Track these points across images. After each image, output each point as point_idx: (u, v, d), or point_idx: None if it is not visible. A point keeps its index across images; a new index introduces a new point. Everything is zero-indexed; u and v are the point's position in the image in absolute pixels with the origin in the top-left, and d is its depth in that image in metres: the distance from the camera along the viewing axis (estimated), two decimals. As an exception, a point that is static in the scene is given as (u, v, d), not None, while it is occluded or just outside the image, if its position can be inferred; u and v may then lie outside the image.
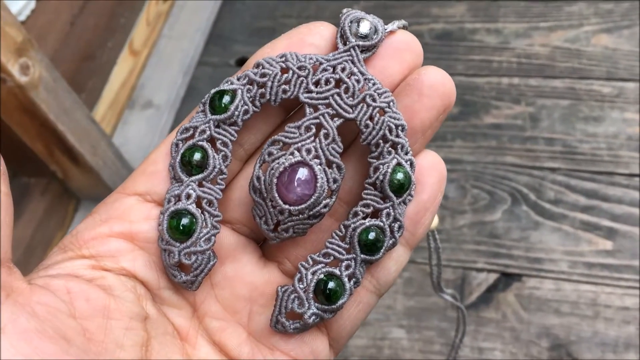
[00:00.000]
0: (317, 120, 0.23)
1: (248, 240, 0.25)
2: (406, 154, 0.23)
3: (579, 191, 0.75)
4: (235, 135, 0.23)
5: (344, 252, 0.23)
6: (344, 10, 0.24)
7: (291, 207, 0.22)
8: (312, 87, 0.23)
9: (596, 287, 0.68)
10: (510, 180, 0.78)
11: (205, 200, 0.23)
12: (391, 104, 0.23)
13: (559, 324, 0.67)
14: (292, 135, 0.23)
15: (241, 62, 0.96)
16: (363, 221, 0.23)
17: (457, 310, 0.44)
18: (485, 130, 0.82)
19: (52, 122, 0.64)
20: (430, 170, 0.23)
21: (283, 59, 0.23)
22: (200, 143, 0.23)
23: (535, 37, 0.90)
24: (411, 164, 0.23)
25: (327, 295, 0.22)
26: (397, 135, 0.23)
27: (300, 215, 0.22)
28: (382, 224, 0.23)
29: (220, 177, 0.23)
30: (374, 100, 0.23)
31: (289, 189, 0.22)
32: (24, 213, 0.71)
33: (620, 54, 0.86)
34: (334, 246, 0.23)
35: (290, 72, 0.23)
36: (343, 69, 0.23)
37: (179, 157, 0.23)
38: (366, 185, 0.23)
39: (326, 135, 0.23)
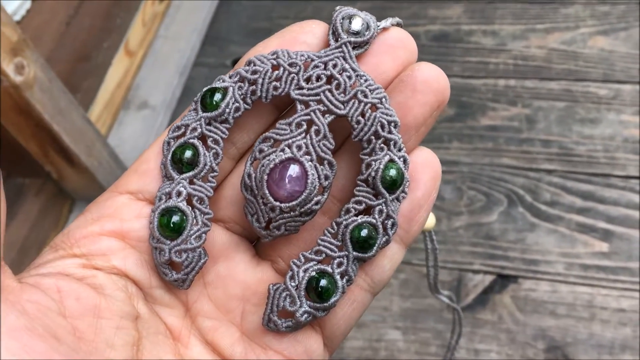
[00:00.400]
0: (308, 117, 0.23)
1: (241, 239, 0.25)
2: (399, 150, 0.23)
3: (575, 193, 0.75)
4: (227, 132, 0.23)
5: (336, 250, 0.23)
6: (337, 8, 0.24)
7: (282, 204, 0.22)
8: (303, 84, 0.23)
9: (592, 288, 0.68)
10: (507, 181, 0.78)
11: (196, 198, 0.23)
12: (383, 100, 0.23)
13: (555, 326, 0.67)
14: (282, 132, 0.23)
15: (237, 62, 0.96)
16: (355, 218, 0.23)
17: (453, 312, 0.44)
18: (481, 132, 0.82)
19: (47, 122, 0.63)
20: (424, 167, 0.23)
21: (274, 56, 0.23)
22: (191, 141, 0.23)
23: (531, 39, 0.90)
24: (404, 161, 0.23)
25: (319, 293, 0.22)
26: (390, 132, 0.23)
27: (292, 213, 0.22)
28: (374, 221, 0.23)
29: (212, 174, 0.23)
30: (365, 96, 0.23)
31: (280, 186, 0.22)
32: (18, 213, 0.70)
33: (616, 56, 0.86)
34: (326, 243, 0.23)
35: (281, 68, 0.23)
36: (334, 66, 0.23)
37: (170, 155, 0.23)
38: (358, 182, 0.23)
39: (317, 132, 0.23)
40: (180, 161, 0.23)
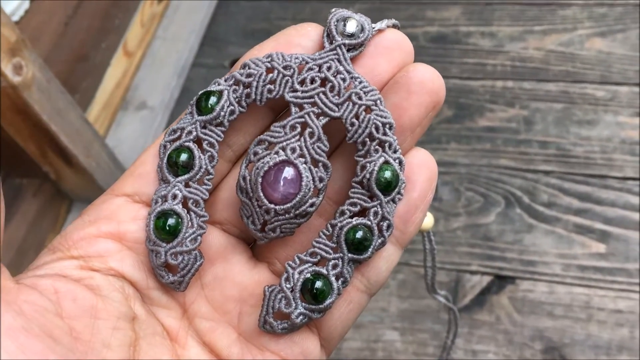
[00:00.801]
0: (303, 119, 0.23)
1: (238, 240, 0.25)
2: (394, 152, 0.23)
3: (573, 194, 0.75)
4: (222, 135, 0.24)
5: (330, 252, 0.23)
6: (332, 10, 0.24)
7: (277, 207, 0.22)
8: (298, 87, 0.23)
9: (589, 289, 0.69)
10: (504, 183, 0.78)
11: (191, 201, 0.23)
12: (378, 102, 0.23)
13: (552, 327, 0.67)
14: (277, 134, 0.23)
15: (234, 64, 0.96)
16: (350, 220, 0.23)
17: (449, 312, 0.44)
18: (479, 133, 0.82)
19: (45, 122, 0.63)
20: (420, 168, 0.23)
21: (269, 59, 0.23)
22: (186, 144, 0.23)
23: (529, 41, 0.90)
24: (400, 163, 0.23)
25: (314, 294, 0.22)
26: (385, 134, 0.23)
27: (287, 215, 0.22)
28: (369, 222, 0.23)
29: (207, 177, 0.24)
30: (359, 98, 0.23)
31: (274, 188, 0.22)
32: (16, 214, 0.70)
33: (614, 58, 0.86)
34: (321, 245, 0.23)
35: (276, 71, 0.23)
36: (329, 68, 0.23)
37: (165, 158, 0.23)
38: (353, 184, 0.23)
39: (311, 134, 0.23)
40: (175, 164, 0.23)
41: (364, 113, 0.23)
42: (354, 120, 0.23)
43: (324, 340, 0.24)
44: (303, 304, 0.22)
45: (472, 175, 0.79)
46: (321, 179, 0.23)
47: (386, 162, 0.23)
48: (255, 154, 0.23)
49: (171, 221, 0.22)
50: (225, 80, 0.24)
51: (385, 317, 0.70)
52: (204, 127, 0.23)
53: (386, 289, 0.71)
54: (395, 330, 0.69)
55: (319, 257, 0.23)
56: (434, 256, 0.37)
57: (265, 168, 0.22)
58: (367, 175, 0.23)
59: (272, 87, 0.23)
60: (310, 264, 0.23)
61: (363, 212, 0.23)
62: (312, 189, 0.22)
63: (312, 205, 0.22)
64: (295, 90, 0.23)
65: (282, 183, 0.22)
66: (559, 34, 0.90)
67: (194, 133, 0.23)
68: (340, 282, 0.22)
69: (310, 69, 0.23)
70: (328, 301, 0.22)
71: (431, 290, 0.39)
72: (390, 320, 0.69)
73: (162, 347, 0.22)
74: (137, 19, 0.91)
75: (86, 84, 0.82)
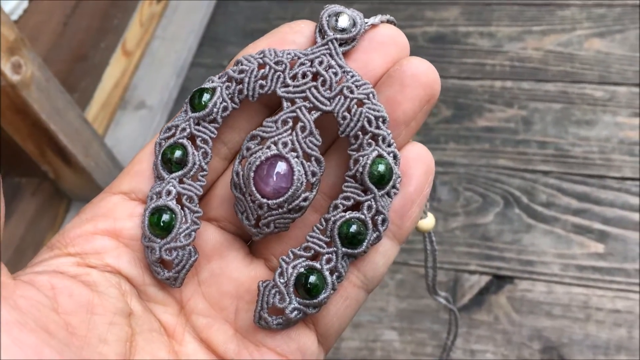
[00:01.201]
0: (294, 114, 0.23)
1: (234, 237, 0.25)
2: (388, 146, 0.23)
3: (571, 194, 0.75)
4: (215, 132, 0.24)
5: (324, 246, 0.23)
6: (325, 6, 0.24)
7: (269, 201, 0.22)
8: (289, 81, 0.23)
9: (588, 289, 0.69)
10: (503, 183, 0.78)
11: (185, 197, 0.23)
12: (370, 95, 0.22)
13: (550, 327, 0.67)
14: (269, 129, 0.23)
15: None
16: (343, 214, 0.23)
17: (450, 312, 0.44)
18: (478, 133, 0.82)
19: (44, 121, 0.63)
20: (416, 162, 0.23)
21: (261, 55, 0.23)
22: (180, 141, 0.23)
23: (528, 41, 0.90)
24: (394, 157, 0.23)
25: (308, 289, 0.22)
26: (378, 127, 0.22)
27: (280, 210, 0.22)
28: (363, 216, 0.22)
29: (201, 173, 0.24)
30: (351, 92, 0.23)
31: (266, 182, 0.22)
32: (15, 213, 0.70)
33: (612, 58, 0.86)
34: (315, 240, 0.23)
35: (267, 67, 0.23)
36: (320, 62, 0.23)
37: (160, 156, 0.24)
38: (346, 177, 0.23)
39: (303, 129, 0.23)
40: (169, 161, 0.23)
41: (355, 106, 0.23)
42: (346, 113, 0.23)
43: (321, 337, 0.23)
44: (297, 298, 0.22)
45: (471, 175, 0.79)
46: (314, 173, 0.23)
47: (379, 156, 0.22)
48: (248, 149, 0.23)
49: (165, 217, 0.23)
50: (219, 78, 0.24)
51: (383, 316, 0.70)
52: (198, 124, 0.24)
53: (385, 288, 0.71)
54: (394, 330, 0.69)
55: (312, 251, 0.23)
56: (435, 257, 0.37)
57: (257, 163, 0.22)
58: (360, 169, 0.22)
59: (263, 82, 0.23)
60: (304, 259, 0.23)
61: (357, 206, 0.23)
62: (304, 183, 0.22)
63: (305, 199, 0.22)
64: (287, 85, 0.23)
65: (274, 177, 0.22)
66: (557, 34, 0.90)
67: (188, 130, 0.24)
68: (334, 276, 0.22)
69: (302, 64, 0.23)
70: (322, 296, 0.22)
71: (432, 291, 0.39)
72: (389, 320, 0.69)
73: (159, 343, 0.22)
74: (136, 19, 0.91)
75: (85, 84, 0.82)
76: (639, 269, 0.69)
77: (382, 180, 0.22)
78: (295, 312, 0.22)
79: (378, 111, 0.22)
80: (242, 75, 0.23)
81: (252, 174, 0.22)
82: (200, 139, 0.24)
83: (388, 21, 0.24)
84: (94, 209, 0.23)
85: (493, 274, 0.71)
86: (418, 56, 0.23)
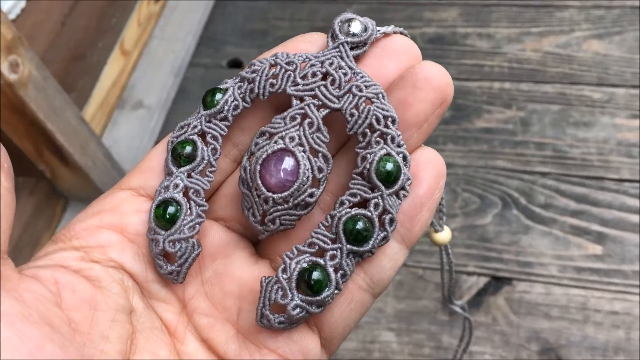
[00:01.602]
0: (303, 111, 0.23)
1: (241, 237, 0.25)
2: (398, 146, 0.22)
3: (569, 196, 0.75)
4: (226, 130, 0.24)
5: (329, 242, 0.22)
6: (340, 15, 0.24)
7: (274, 195, 0.22)
8: (299, 80, 0.23)
9: (586, 291, 0.69)
10: (501, 184, 0.78)
11: (192, 190, 0.23)
12: (380, 95, 0.22)
13: (548, 328, 0.67)
14: (277, 125, 0.23)
15: (233, 63, 0.96)
16: (349, 210, 0.22)
17: (464, 321, 0.44)
18: (476, 134, 0.82)
19: (41, 121, 0.63)
20: (426, 166, 0.23)
21: (274, 57, 0.24)
22: (190, 137, 0.24)
23: (526, 42, 0.90)
24: (404, 158, 0.22)
25: (310, 285, 0.21)
26: (386, 126, 0.22)
27: (285, 205, 0.22)
28: (369, 213, 0.22)
29: (210, 169, 0.24)
30: (360, 90, 0.23)
31: (272, 176, 0.22)
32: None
33: (610, 60, 0.86)
34: (319, 236, 0.22)
35: (278, 67, 0.24)
36: (331, 64, 0.23)
37: (170, 151, 0.24)
38: (354, 175, 0.23)
39: (310, 124, 0.23)
40: (179, 156, 0.24)
41: (364, 104, 0.23)
42: (354, 110, 0.23)
43: (324, 340, 0.23)
44: (299, 295, 0.21)
45: (469, 176, 0.79)
46: (320, 169, 0.22)
47: (388, 154, 0.22)
48: (256, 144, 0.23)
49: (171, 209, 0.23)
50: (233, 80, 0.24)
51: (381, 317, 0.70)
52: (209, 122, 0.24)
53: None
54: (392, 331, 0.69)
55: (317, 247, 0.22)
56: (452, 269, 0.37)
57: (264, 156, 0.22)
58: (367, 166, 0.22)
59: (274, 81, 0.23)
60: (308, 255, 0.22)
61: (363, 204, 0.22)
62: (310, 178, 0.22)
63: (311, 195, 0.22)
64: (297, 84, 0.23)
65: (280, 170, 0.22)
66: (556, 35, 0.90)
67: (199, 127, 0.24)
68: (339, 275, 0.22)
69: (313, 65, 0.23)
70: (325, 293, 0.21)
71: (448, 301, 0.39)
72: (387, 321, 0.69)
73: (160, 342, 0.22)
74: (134, 19, 0.91)
75: (83, 83, 0.81)
76: (637, 270, 0.69)
77: (390, 177, 0.22)
78: (298, 310, 0.21)
79: (387, 110, 0.22)
80: (254, 75, 0.24)
81: (258, 167, 0.22)
82: (210, 135, 0.24)
83: (400, 33, 0.24)
84: (102, 203, 0.23)
85: (491, 275, 0.71)
86: None
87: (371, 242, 0.22)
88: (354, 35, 0.23)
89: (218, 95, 0.24)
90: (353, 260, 0.22)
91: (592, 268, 0.70)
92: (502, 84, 0.87)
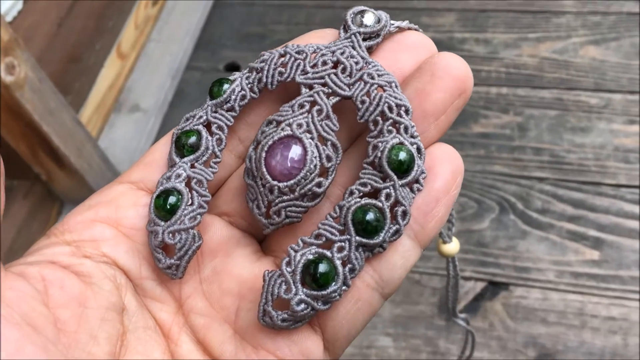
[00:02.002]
0: (312, 98, 0.22)
1: (244, 234, 0.23)
2: (412, 137, 0.21)
3: (566, 201, 0.75)
4: (232, 120, 0.23)
5: (337, 233, 0.21)
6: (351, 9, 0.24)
7: (280, 184, 0.21)
8: (309, 69, 0.22)
9: (583, 296, 0.68)
10: (498, 189, 0.78)
11: (194, 180, 0.22)
12: (393, 84, 0.22)
13: (545, 334, 0.67)
14: (285, 113, 0.22)
15: (230, 67, 0.96)
16: (358, 200, 0.21)
17: (467, 333, 0.43)
18: (473, 139, 0.82)
19: (37, 123, 0.63)
20: (443, 161, 0.21)
21: (284, 47, 0.23)
22: (195, 127, 0.23)
23: (523, 48, 0.91)
24: (418, 150, 0.21)
25: (316, 278, 0.20)
26: (399, 115, 0.21)
27: (291, 194, 0.21)
28: (380, 204, 0.20)
29: (214, 160, 0.23)
30: (372, 77, 0.22)
31: (278, 162, 0.21)
32: (6, 216, 0.70)
33: (607, 66, 0.87)
34: (327, 227, 0.21)
35: (288, 55, 0.23)
36: (342, 53, 0.22)
37: (174, 142, 0.23)
38: (364, 165, 0.21)
39: (319, 111, 0.22)
40: (183, 146, 0.23)
41: (375, 91, 0.22)
42: (365, 97, 0.22)
43: (327, 342, 0.21)
44: (304, 289, 0.20)
45: (466, 181, 0.79)
46: (329, 158, 0.21)
47: (401, 143, 0.21)
48: (263, 132, 0.22)
49: (172, 199, 0.22)
50: (242, 72, 0.24)
51: (378, 322, 0.69)
52: (215, 112, 0.23)
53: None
54: (388, 336, 0.68)
55: (324, 239, 0.21)
56: (458, 281, 0.36)
57: (270, 142, 0.21)
58: (379, 154, 0.21)
59: (283, 70, 0.23)
60: (314, 247, 0.21)
61: (374, 194, 0.21)
62: (317, 166, 0.21)
63: (319, 185, 0.21)
64: (306, 73, 0.22)
65: (286, 158, 0.21)
66: (553, 41, 0.91)
67: (204, 117, 0.23)
68: (347, 269, 0.20)
69: (323, 54, 0.23)
70: (332, 287, 0.20)
71: (452, 314, 0.39)
72: (383, 326, 0.69)
73: (153, 342, 0.21)
74: (131, 21, 0.91)
75: (79, 85, 0.81)
76: (635, 276, 0.69)
77: (402, 166, 0.20)
78: (303, 306, 0.20)
79: (400, 100, 0.21)
80: (263, 64, 0.23)
81: (263, 154, 0.21)
82: (216, 125, 0.23)
83: (415, 29, 0.24)
84: (99, 196, 0.23)
85: (488, 281, 0.71)
86: None
87: (382, 235, 0.20)
88: (366, 26, 0.23)
89: (225, 86, 0.23)
90: (363, 254, 0.20)
91: (589, 273, 0.70)
92: (499, 89, 0.87)
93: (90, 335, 0.19)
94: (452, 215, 0.31)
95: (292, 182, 0.21)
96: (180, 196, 0.22)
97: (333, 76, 0.22)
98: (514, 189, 0.77)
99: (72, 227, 0.22)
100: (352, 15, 0.23)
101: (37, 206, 0.73)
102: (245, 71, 0.24)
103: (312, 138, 0.21)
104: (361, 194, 0.21)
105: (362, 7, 0.23)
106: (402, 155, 0.21)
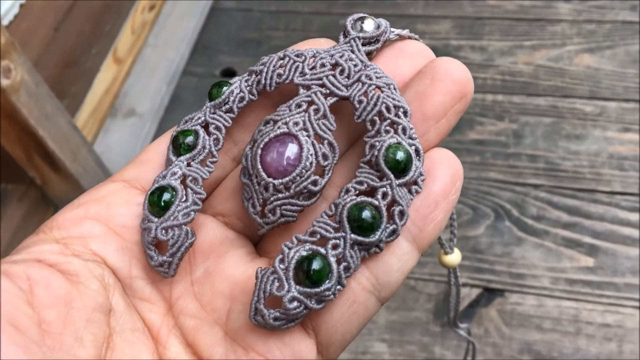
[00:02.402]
0: (309, 98, 0.22)
1: (238, 235, 0.23)
2: (410, 138, 0.21)
3: (561, 208, 0.76)
4: (230, 121, 0.23)
5: (332, 231, 0.20)
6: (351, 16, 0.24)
7: (275, 181, 0.21)
8: (307, 71, 0.23)
9: (578, 303, 0.69)
10: (494, 195, 0.78)
11: (190, 178, 0.22)
12: (391, 86, 0.22)
13: (540, 340, 0.67)
14: (282, 112, 0.22)
15: (227, 72, 0.96)
16: (354, 197, 0.20)
17: (468, 344, 0.43)
18: (469, 146, 0.83)
19: (33, 127, 0.63)
20: (442, 164, 0.21)
21: (283, 51, 0.23)
22: (193, 127, 0.23)
23: (519, 56, 0.91)
24: (417, 151, 0.21)
25: (309, 275, 0.19)
26: (397, 116, 0.21)
27: (287, 192, 0.21)
28: (377, 202, 0.20)
29: (210, 159, 0.23)
30: (370, 79, 0.22)
31: (273, 159, 0.21)
32: (1, 220, 0.69)
33: (602, 74, 0.87)
34: (321, 224, 0.20)
35: (287, 58, 0.23)
36: (341, 56, 0.23)
37: (171, 141, 0.23)
38: (361, 164, 0.21)
39: (316, 111, 0.22)
40: (180, 146, 0.23)
41: (373, 92, 0.22)
42: (362, 97, 0.22)
43: (321, 346, 0.21)
44: (297, 286, 0.19)
45: (462, 187, 0.78)
46: (325, 157, 0.21)
47: (398, 143, 0.21)
48: (260, 131, 0.22)
49: (166, 196, 0.21)
50: (242, 76, 0.24)
51: (373, 328, 0.69)
52: (213, 113, 0.23)
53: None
54: (384, 342, 0.68)
55: (318, 236, 0.20)
56: (459, 292, 0.36)
57: (266, 140, 0.21)
58: (376, 153, 0.21)
59: (281, 71, 0.23)
60: (308, 244, 0.20)
61: (371, 194, 0.21)
62: (313, 164, 0.21)
63: (314, 183, 0.21)
64: (305, 74, 0.23)
65: (281, 155, 0.21)
66: (548, 49, 0.91)
67: (203, 118, 0.23)
68: (342, 267, 0.20)
69: (322, 57, 0.23)
70: (326, 285, 0.19)
71: (452, 324, 0.39)
72: (379, 332, 0.69)
73: (140, 345, 0.20)
74: (128, 26, 0.91)
75: (75, 90, 0.81)
76: (629, 283, 0.69)
77: (399, 166, 0.20)
78: (295, 303, 0.19)
79: (398, 101, 0.21)
80: (262, 67, 0.23)
81: (259, 152, 0.21)
82: (213, 126, 0.23)
83: (415, 39, 0.24)
84: (90, 194, 0.22)
85: (483, 287, 0.71)
86: None
87: (378, 234, 0.20)
88: (366, 32, 0.23)
89: (225, 88, 0.23)
90: (358, 253, 0.20)
91: (584, 280, 0.70)
92: (494, 96, 0.87)
93: (76, 337, 0.19)
94: (453, 227, 0.31)
95: (287, 179, 0.21)
96: (174, 192, 0.22)
97: (331, 77, 0.22)
98: (509, 196, 0.77)
99: (61, 223, 0.21)
100: (352, 22, 0.23)
101: (31, 210, 0.73)
102: (245, 74, 0.24)
103: (308, 136, 0.21)
104: (357, 192, 0.21)
105: (362, 14, 0.24)
106: (400, 154, 0.20)
